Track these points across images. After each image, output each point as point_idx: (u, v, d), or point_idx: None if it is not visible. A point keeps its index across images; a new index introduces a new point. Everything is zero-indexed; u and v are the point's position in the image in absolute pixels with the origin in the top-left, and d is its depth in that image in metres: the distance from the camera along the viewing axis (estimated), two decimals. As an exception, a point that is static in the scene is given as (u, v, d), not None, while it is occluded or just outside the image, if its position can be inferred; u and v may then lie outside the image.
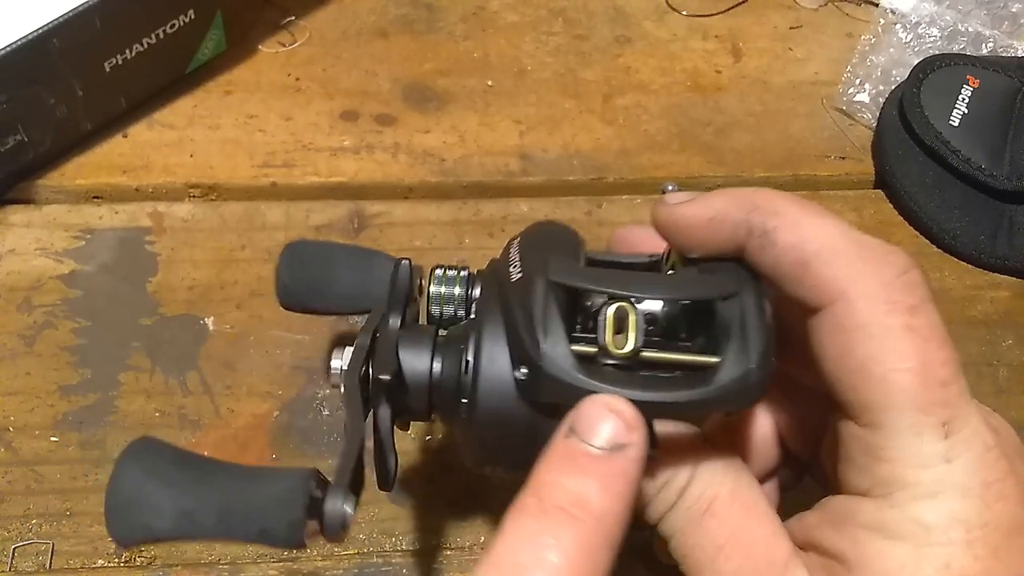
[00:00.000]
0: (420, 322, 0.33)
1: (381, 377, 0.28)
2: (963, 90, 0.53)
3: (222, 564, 0.39)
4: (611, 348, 0.26)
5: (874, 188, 0.54)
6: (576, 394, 0.25)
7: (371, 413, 0.29)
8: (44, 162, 0.49)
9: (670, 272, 0.30)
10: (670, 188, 0.52)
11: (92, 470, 0.41)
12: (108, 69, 0.48)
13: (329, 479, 0.25)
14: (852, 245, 0.26)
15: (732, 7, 0.61)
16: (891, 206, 0.53)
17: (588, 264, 0.31)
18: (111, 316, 0.45)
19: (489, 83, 0.56)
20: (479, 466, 0.30)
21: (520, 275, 0.28)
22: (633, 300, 0.26)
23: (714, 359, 0.26)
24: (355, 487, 0.26)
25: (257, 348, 0.45)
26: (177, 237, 0.48)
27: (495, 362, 0.27)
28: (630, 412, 0.25)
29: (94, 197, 0.50)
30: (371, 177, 0.51)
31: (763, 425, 0.32)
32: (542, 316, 0.26)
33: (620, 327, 0.26)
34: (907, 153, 0.52)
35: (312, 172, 0.51)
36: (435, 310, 0.32)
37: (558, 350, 0.26)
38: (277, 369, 0.44)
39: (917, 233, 0.51)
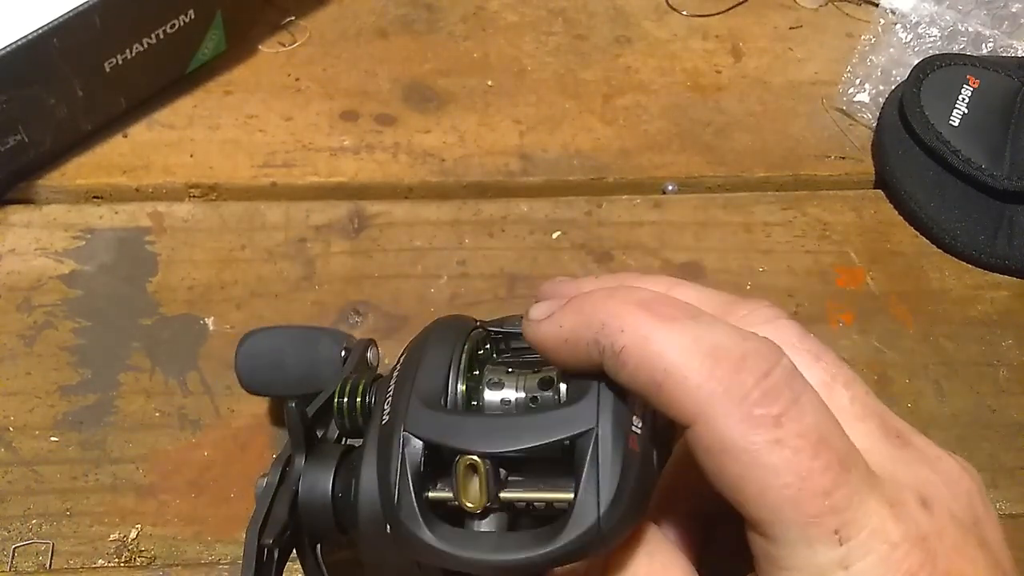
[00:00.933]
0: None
1: (265, 543, 0.29)
2: (963, 90, 0.53)
3: (222, 564, 0.39)
4: (464, 502, 0.25)
5: (874, 188, 0.54)
6: (430, 554, 0.25)
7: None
8: (44, 162, 0.49)
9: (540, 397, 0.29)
10: (670, 188, 0.52)
11: (92, 470, 0.41)
12: (108, 69, 0.48)
13: None
14: (704, 359, 0.23)
15: (732, 7, 0.61)
16: (891, 206, 0.53)
17: (492, 341, 0.30)
18: (111, 316, 0.45)
19: (489, 83, 0.56)
20: None
21: (386, 418, 0.27)
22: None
23: (569, 495, 0.25)
24: None
25: (257, 348, 0.45)
26: (177, 237, 0.48)
27: (374, 502, 0.27)
28: None
29: (94, 197, 0.50)
30: (371, 177, 0.51)
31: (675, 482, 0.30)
32: (396, 475, 0.26)
33: (476, 471, 0.26)
34: (907, 153, 0.52)
35: (312, 172, 0.51)
36: (339, 422, 0.33)
37: (409, 513, 0.25)
38: (277, 369, 0.44)
39: (917, 233, 0.51)
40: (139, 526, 0.39)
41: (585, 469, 0.24)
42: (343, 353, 0.37)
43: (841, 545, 0.23)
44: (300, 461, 0.31)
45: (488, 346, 0.31)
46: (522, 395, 0.28)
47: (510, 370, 0.29)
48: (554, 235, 0.50)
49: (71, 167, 0.50)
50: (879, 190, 0.53)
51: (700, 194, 0.53)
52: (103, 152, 0.51)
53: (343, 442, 0.33)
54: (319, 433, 0.32)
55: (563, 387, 0.27)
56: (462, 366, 0.28)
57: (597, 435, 0.25)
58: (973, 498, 0.25)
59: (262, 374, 0.39)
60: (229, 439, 0.42)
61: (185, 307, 0.46)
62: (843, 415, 0.24)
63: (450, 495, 0.26)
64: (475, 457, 0.25)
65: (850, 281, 0.49)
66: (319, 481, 0.31)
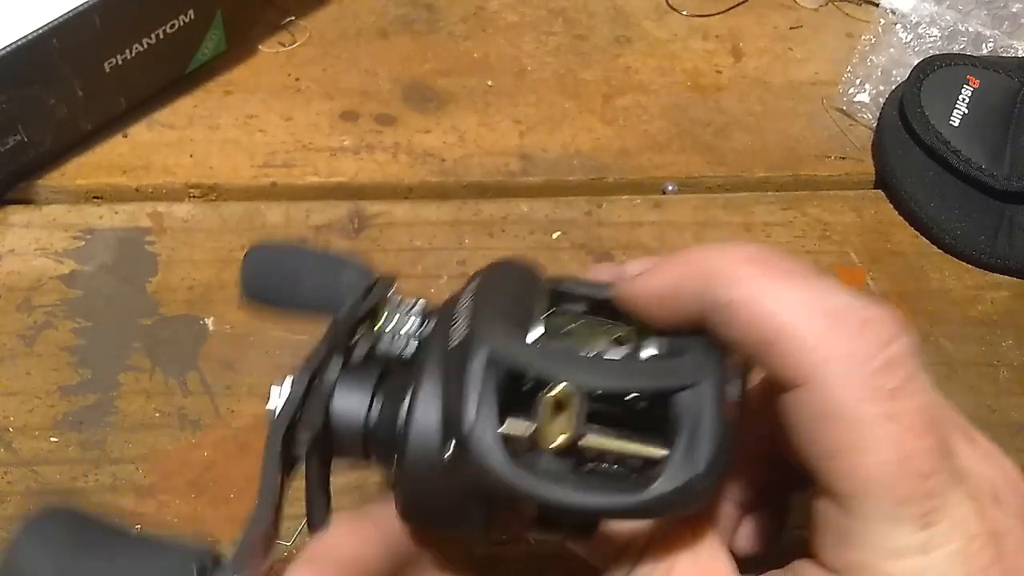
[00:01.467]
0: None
1: (305, 435, 0.27)
2: (963, 90, 0.53)
3: (222, 564, 0.39)
4: (546, 437, 0.24)
5: (874, 188, 0.54)
6: (502, 484, 0.23)
7: (293, 466, 0.28)
8: (44, 162, 0.49)
9: (626, 349, 0.27)
10: (670, 188, 0.52)
11: (92, 470, 0.41)
12: (108, 69, 0.48)
13: (224, 557, 0.25)
14: (823, 319, 0.22)
15: (732, 7, 0.61)
16: (891, 206, 0.53)
17: (553, 297, 0.28)
18: (111, 316, 0.45)
19: (489, 83, 0.56)
20: (405, 519, 0.28)
21: (463, 337, 0.25)
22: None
23: (662, 452, 0.24)
24: (253, 566, 0.25)
25: (257, 348, 0.45)
26: (177, 237, 0.48)
27: (428, 426, 0.26)
28: None
29: (94, 197, 0.50)
30: (371, 177, 0.51)
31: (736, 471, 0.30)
32: (476, 395, 0.24)
33: (561, 409, 0.24)
34: (907, 153, 0.52)
35: (312, 172, 0.51)
36: (383, 345, 0.30)
37: (487, 436, 0.24)
38: (277, 369, 0.44)
39: (917, 233, 0.51)
40: (139, 526, 0.39)
41: (687, 426, 0.23)
42: (366, 288, 0.33)
43: (925, 530, 0.22)
44: (335, 370, 0.28)
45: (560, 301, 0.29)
46: (609, 346, 0.26)
47: (588, 323, 0.27)
48: (554, 235, 0.50)
49: (71, 167, 0.50)
50: (879, 190, 0.53)
51: (700, 194, 0.53)
52: (103, 152, 0.51)
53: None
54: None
55: (655, 343, 0.26)
56: (542, 307, 0.27)
57: (702, 392, 0.24)
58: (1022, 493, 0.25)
59: (270, 282, 0.34)
60: (229, 439, 0.42)
61: (185, 307, 0.46)
62: (926, 374, 0.23)
63: (525, 431, 0.24)
64: (567, 389, 0.23)
65: (850, 281, 0.49)
66: (355, 396, 0.28)
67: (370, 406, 0.28)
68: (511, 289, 0.28)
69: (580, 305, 0.28)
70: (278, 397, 0.28)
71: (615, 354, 0.26)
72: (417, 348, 0.29)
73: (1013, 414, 0.45)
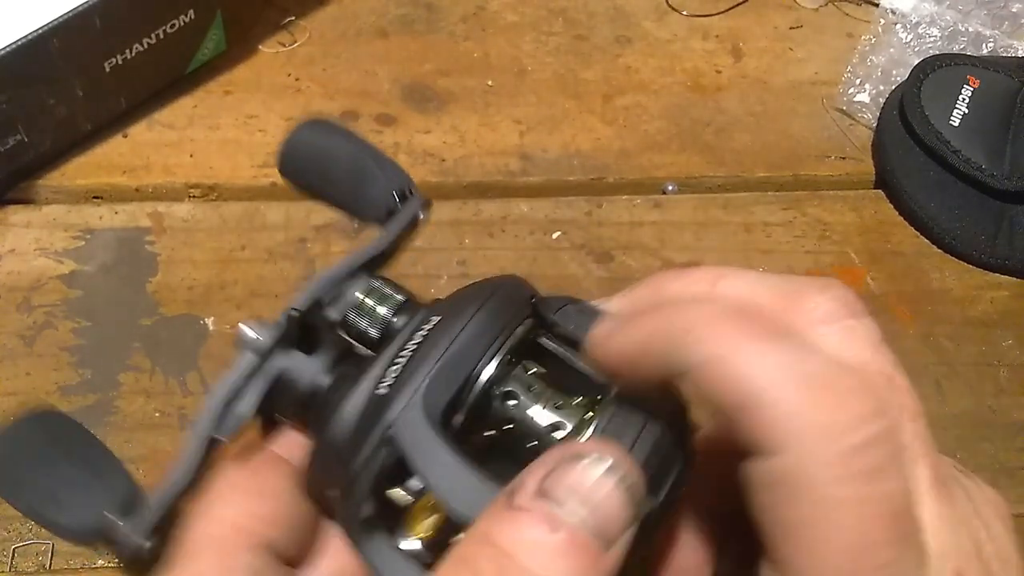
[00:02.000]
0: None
1: (293, 312, 0.27)
2: (963, 90, 0.53)
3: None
4: (411, 528, 0.25)
5: (874, 188, 0.54)
6: (356, 547, 0.25)
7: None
8: (44, 162, 0.49)
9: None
10: (670, 188, 0.52)
11: (92, 470, 0.41)
12: (108, 69, 0.48)
13: (146, 495, 0.26)
14: (801, 386, 0.21)
15: (732, 7, 0.61)
16: (891, 206, 0.52)
17: (520, 349, 0.27)
18: (111, 316, 0.45)
19: (489, 83, 0.56)
20: (308, 494, 0.28)
21: (386, 390, 0.25)
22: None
23: None
24: (168, 520, 0.26)
25: (257, 348, 0.45)
26: (177, 237, 0.48)
27: (345, 429, 0.26)
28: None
29: (94, 197, 0.50)
30: (371, 177, 0.51)
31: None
32: (365, 459, 0.24)
33: (435, 511, 0.25)
34: (907, 153, 0.52)
35: (312, 172, 0.51)
36: (351, 318, 0.29)
37: (358, 511, 0.24)
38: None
39: (917, 233, 0.51)
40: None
41: None
42: (398, 195, 0.31)
43: None
44: (293, 357, 0.28)
45: (535, 344, 0.28)
46: (545, 423, 0.26)
47: (541, 389, 0.26)
48: (554, 235, 0.50)
49: (71, 167, 0.50)
50: (879, 190, 0.53)
51: (700, 194, 0.53)
52: (103, 152, 0.51)
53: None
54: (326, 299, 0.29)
55: (602, 419, 0.25)
56: (494, 366, 0.26)
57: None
58: (1009, 535, 0.23)
59: (304, 167, 0.33)
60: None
61: (185, 307, 0.46)
62: (903, 454, 0.22)
63: (403, 503, 0.25)
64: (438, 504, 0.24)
65: (850, 281, 0.49)
66: (311, 364, 0.28)
67: (321, 375, 0.28)
68: (468, 340, 0.26)
69: (551, 356, 0.27)
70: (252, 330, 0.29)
71: (556, 435, 0.26)
72: (380, 338, 0.28)
73: (1013, 414, 0.45)
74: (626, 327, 0.24)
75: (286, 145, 0.32)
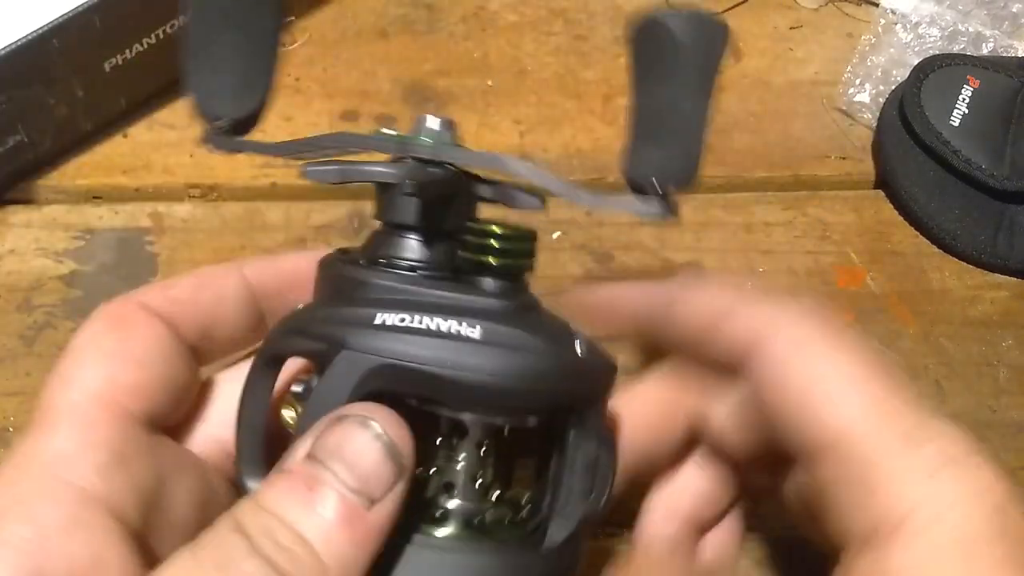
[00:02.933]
0: None
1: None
2: (963, 90, 0.53)
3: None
4: None
5: (874, 188, 0.54)
6: None
7: None
8: (44, 162, 0.49)
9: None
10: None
11: (92, 470, 0.41)
12: (108, 69, 0.48)
13: None
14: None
15: (732, 7, 0.61)
16: (891, 206, 0.53)
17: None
18: (111, 316, 0.45)
19: (489, 83, 0.56)
20: None
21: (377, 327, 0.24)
22: None
23: None
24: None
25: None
26: (177, 237, 0.48)
27: None
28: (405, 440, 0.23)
29: (94, 197, 0.50)
30: (371, 177, 0.51)
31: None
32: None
33: None
34: (907, 153, 0.52)
35: (312, 172, 0.51)
36: (470, 239, 0.28)
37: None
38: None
39: (917, 233, 0.51)
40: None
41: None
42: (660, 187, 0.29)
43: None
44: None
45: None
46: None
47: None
48: (554, 235, 0.50)
49: (71, 167, 0.50)
50: (879, 190, 0.53)
51: (700, 194, 0.53)
52: (103, 152, 0.51)
53: None
54: None
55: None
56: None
57: None
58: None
59: None
60: (229, 439, 0.42)
61: (185, 307, 0.46)
62: None
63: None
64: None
65: (850, 281, 0.49)
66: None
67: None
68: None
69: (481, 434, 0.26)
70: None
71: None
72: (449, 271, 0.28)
73: (1013, 414, 0.45)
74: (709, 292, 0.28)
75: None
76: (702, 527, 0.33)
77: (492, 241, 0.26)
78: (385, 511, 0.22)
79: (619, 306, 0.29)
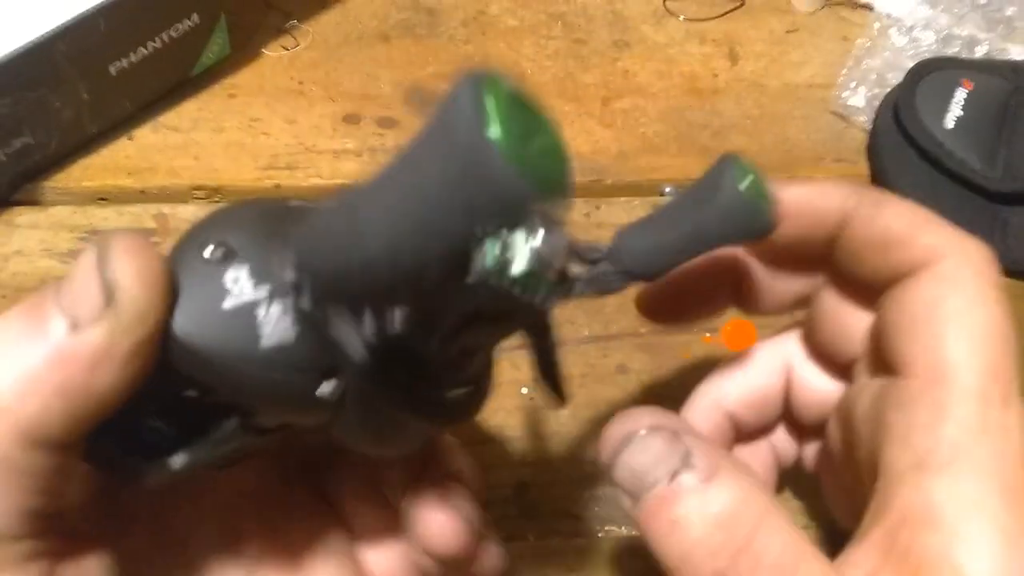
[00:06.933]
0: None
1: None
2: (957, 93, 0.53)
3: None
4: None
5: (869, 190, 0.54)
6: None
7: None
8: (50, 164, 0.50)
9: None
10: (667, 191, 0.53)
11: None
12: (113, 72, 0.49)
13: None
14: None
15: (729, 11, 0.62)
16: (886, 208, 0.53)
17: None
18: (117, 316, 0.46)
19: (489, 86, 0.56)
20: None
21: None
22: None
23: None
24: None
25: (261, 348, 0.45)
26: (181, 238, 0.49)
27: None
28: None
29: (99, 199, 0.50)
30: (373, 179, 0.52)
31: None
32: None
33: None
34: (902, 156, 0.53)
35: (315, 174, 0.52)
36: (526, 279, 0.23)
37: None
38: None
39: (912, 234, 0.52)
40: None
41: None
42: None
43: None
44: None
45: None
46: None
47: None
48: (553, 236, 0.50)
49: (77, 169, 0.51)
50: (874, 192, 0.54)
51: (698, 196, 0.53)
52: (108, 154, 0.51)
53: None
54: None
55: None
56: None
57: None
58: None
59: None
60: (233, 437, 0.42)
61: (190, 307, 0.46)
62: None
63: None
64: None
65: (846, 282, 0.50)
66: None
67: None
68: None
69: None
70: None
71: None
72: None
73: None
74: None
75: None
76: (739, 431, 0.35)
77: None
78: (95, 341, 0.22)
79: (805, 209, 0.31)
